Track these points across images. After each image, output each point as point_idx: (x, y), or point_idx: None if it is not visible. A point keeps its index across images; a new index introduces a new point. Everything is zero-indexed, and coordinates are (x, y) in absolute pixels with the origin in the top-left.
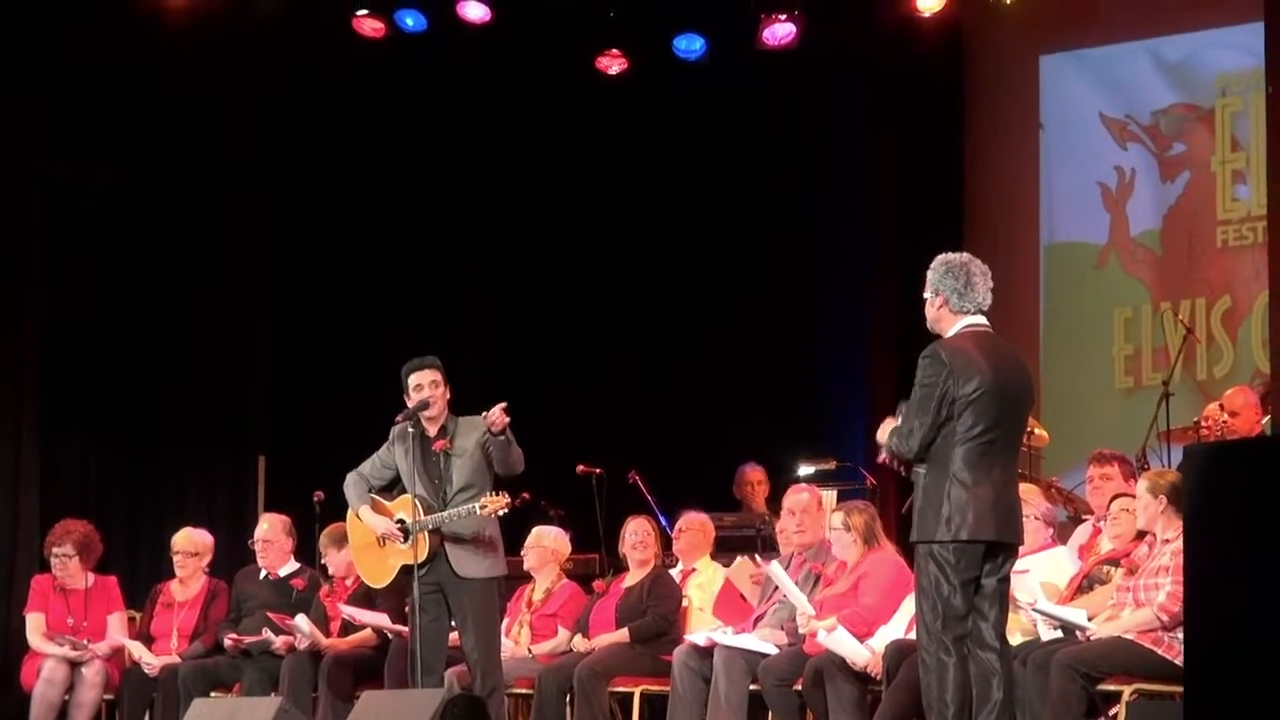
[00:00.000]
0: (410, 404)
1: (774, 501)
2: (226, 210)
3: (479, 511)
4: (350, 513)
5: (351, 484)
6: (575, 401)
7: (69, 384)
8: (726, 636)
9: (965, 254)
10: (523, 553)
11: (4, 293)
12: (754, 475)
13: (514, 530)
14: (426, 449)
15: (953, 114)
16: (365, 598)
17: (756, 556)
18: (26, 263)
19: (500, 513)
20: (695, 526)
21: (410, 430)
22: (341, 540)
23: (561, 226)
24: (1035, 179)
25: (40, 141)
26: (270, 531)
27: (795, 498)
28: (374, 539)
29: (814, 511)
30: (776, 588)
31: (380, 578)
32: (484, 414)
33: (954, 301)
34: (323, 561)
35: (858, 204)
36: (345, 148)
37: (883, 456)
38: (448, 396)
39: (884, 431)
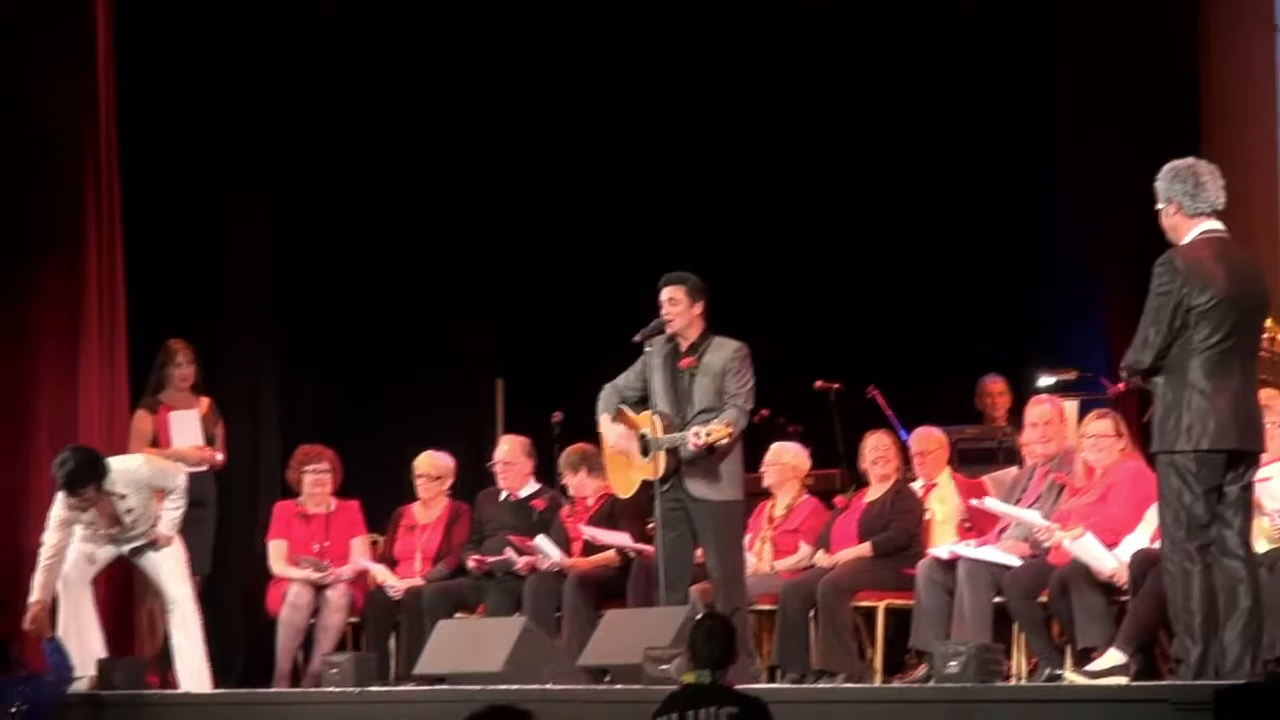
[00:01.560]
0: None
1: (1015, 413)
2: (453, 140)
3: (699, 440)
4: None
5: (604, 393)
6: (813, 317)
7: (305, 317)
8: (970, 549)
9: (1190, 157)
10: (762, 469)
11: (238, 230)
12: (994, 387)
13: (753, 447)
14: (674, 365)
15: (1188, 18)
16: (607, 518)
17: (973, 501)
18: (257, 199)
19: (722, 442)
20: (933, 443)
21: (664, 345)
22: (580, 462)
23: (800, 146)
24: (1271, 83)
25: (259, 79)
26: (510, 453)
27: (1038, 409)
28: (628, 442)
29: (1056, 422)
30: (1018, 501)
31: (625, 489)
32: (692, 432)
33: (1187, 205)
34: (562, 483)
35: (1090, 112)
36: (564, 79)
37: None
38: (698, 313)
39: None
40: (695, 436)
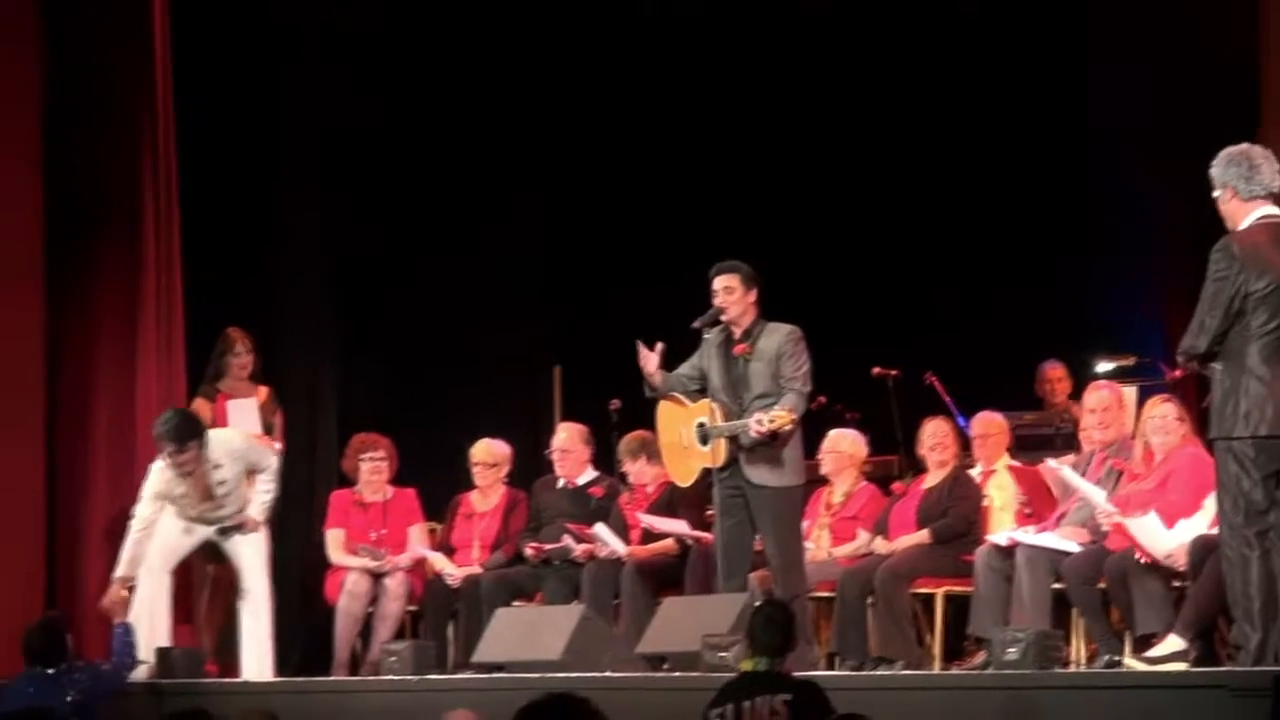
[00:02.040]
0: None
1: (1074, 399)
2: (511, 127)
3: (761, 427)
4: (658, 408)
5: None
6: (870, 303)
7: (363, 305)
8: (1028, 535)
9: (1244, 144)
10: (819, 457)
11: (296, 218)
12: (1053, 373)
13: (811, 433)
14: (728, 353)
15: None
16: (667, 505)
17: (1050, 461)
18: (315, 187)
19: (785, 428)
20: (993, 428)
21: (719, 334)
22: (640, 450)
23: (857, 129)
24: None
25: (316, 66)
26: (568, 440)
27: (1096, 395)
28: (678, 436)
29: (1115, 408)
30: (1084, 478)
31: (684, 477)
32: (754, 420)
33: (1242, 189)
34: (622, 470)
35: (1149, 100)
36: (622, 70)
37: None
38: (750, 300)
39: None
40: (758, 424)
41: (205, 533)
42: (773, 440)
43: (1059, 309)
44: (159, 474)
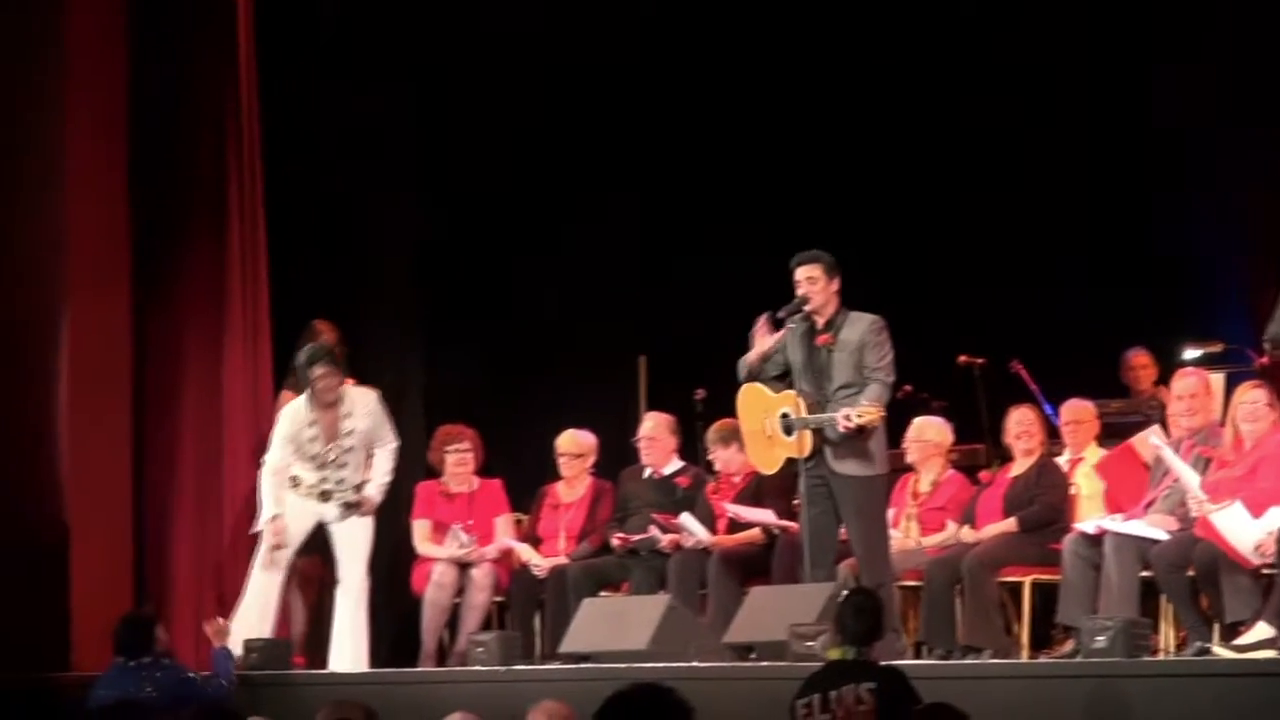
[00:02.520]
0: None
1: (1160, 385)
2: (595, 115)
3: (849, 423)
4: (740, 396)
5: (740, 365)
6: (956, 292)
7: (448, 297)
8: (1116, 523)
9: None
10: (904, 446)
11: (382, 210)
12: (1138, 360)
13: (896, 422)
14: (811, 343)
15: None
16: (753, 495)
17: (1154, 433)
18: (401, 179)
19: (874, 424)
20: (1083, 415)
21: (801, 323)
22: (731, 437)
23: (942, 116)
24: None
25: (402, 57)
26: (655, 429)
27: (1183, 382)
28: (761, 425)
29: (1202, 395)
30: (1166, 473)
31: (768, 465)
32: (842, 415)
33: None
34: (709, 457)
35: (1241, 90)
36: (707, 51)
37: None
38: (833, 290)
39: None
40: (845, 419)
41: (321, 512)
42: (859, 433)
43: (1145, 295)
44: (289, 416)
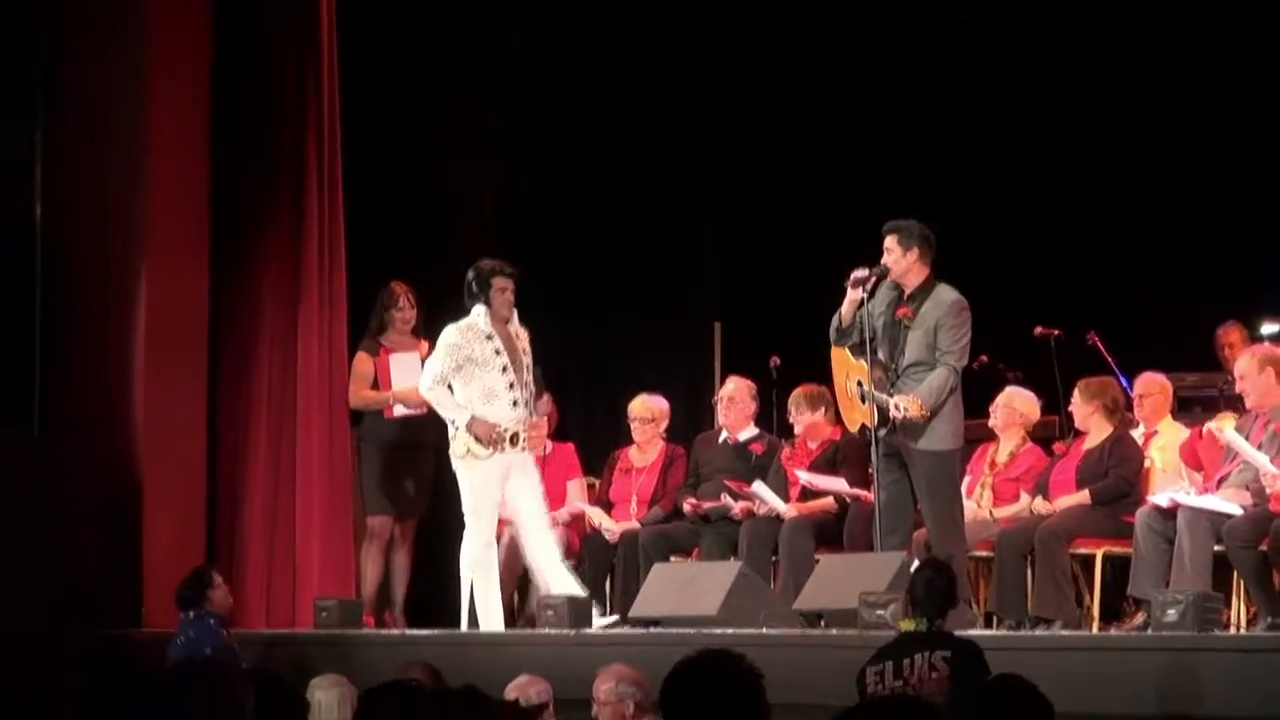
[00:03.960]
0: None
1: None
2: (676, 80)
3: (898, 413)
4: (833, 351)
5: (832, 327)
6: (1032, 262)
7: (524, 260)
8: (1190, 497)
9: None
10: (990, 409)
11: (460, 173)
12: (1227, 337)
13: (971, 393)
14: (893, 314)
15: None
16: (829, 463)
17: (1212, 424)
18: (480, 143)
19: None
20: (1155, 388)
21: (889, 291)
22: (819, 401)
23: (1020, 84)
24: None
25: (482, 14)
26: (736, 391)
27: (1238, 362)
28: (845, 385)
29: (1253, 376)
30: (1247, 440)
31: (851, 425)
32: (894, 404)
33: None
34: (790, 420)
35: None
36: (791, 20)
37: None
38: (913, 260)
39: None
40: (896, 409)
41: (512, 459)
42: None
43: (1227, 268)
44: (451, 344)
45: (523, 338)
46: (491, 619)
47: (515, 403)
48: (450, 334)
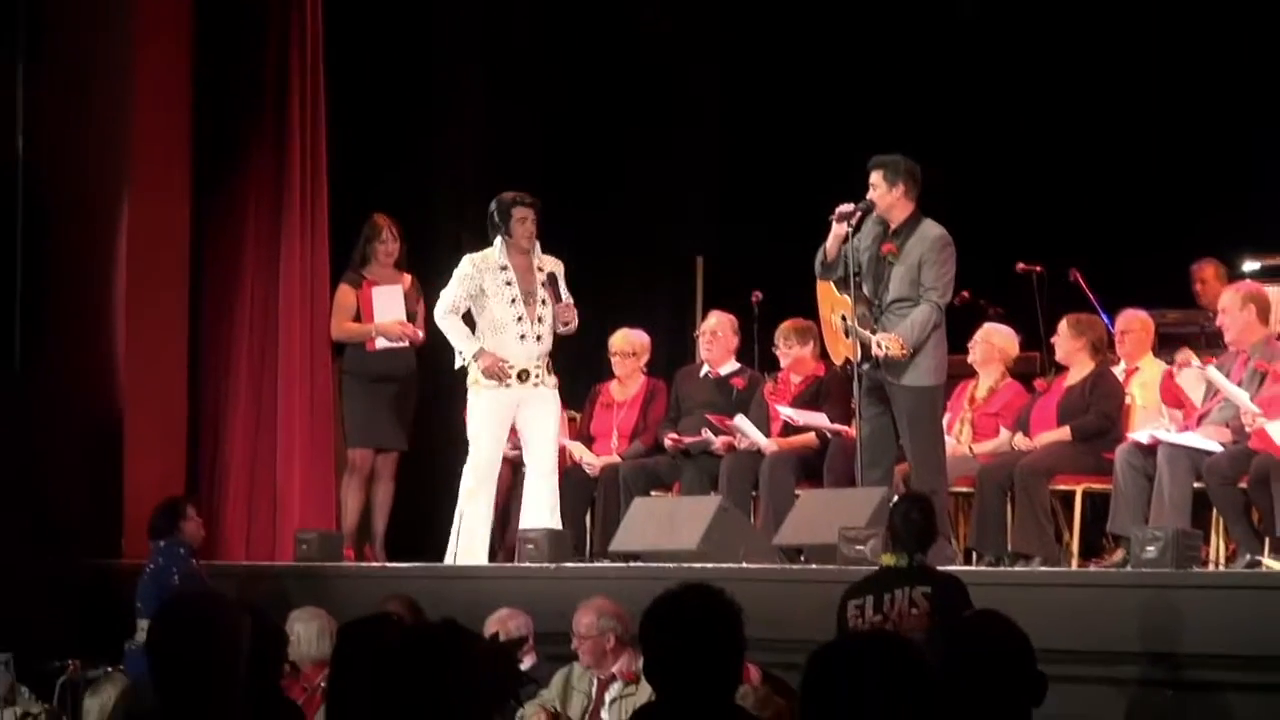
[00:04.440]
0: None
1: None
2: (661, 15)
3: (879, 351)
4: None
5: (817, 260)
6: (1014, 197)
7: (506, 190)
8: (1170, 434)
9: None
10: (969, 344)
11: (445, 107)
12: (1203, 273)
13: (955, 328)
14: (878, 249)
15: None
16: (811, 398)
17: (1194, 360)
18: (466, 77)
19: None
20: (1136, 325)
21: (874, 225)
22: (807, 335)
23: (1004, 25)
24: None
25: None
26: (718, 325)
27: (1221, 298)
28: (830, 318)
29: (1234, 311)
30: (1227, 377)
31: (835, 356)
32: (875, 343)
33: None
34: (777, 353)
35: None
36: None
37: None
38: (898, 196)
39: None
40: (877, 347)
41: (522, 395)
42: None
43: (1210, 204)
44: (463, 275)
45: (546, 268)
46: (475, 552)
47: (524, 336)
48: (464, 264)
